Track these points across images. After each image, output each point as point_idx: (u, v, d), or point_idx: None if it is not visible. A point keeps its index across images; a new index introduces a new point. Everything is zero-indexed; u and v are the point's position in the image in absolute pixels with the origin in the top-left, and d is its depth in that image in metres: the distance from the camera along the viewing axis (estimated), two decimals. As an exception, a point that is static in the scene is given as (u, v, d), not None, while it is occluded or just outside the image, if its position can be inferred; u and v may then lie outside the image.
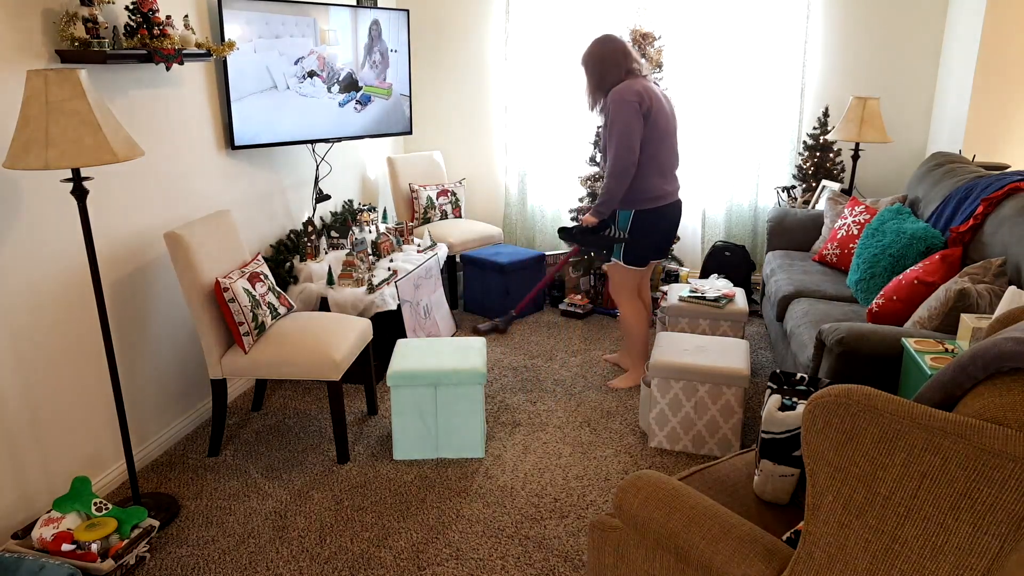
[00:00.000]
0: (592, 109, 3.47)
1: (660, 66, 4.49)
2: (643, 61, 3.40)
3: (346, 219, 4.31)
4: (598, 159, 4.58)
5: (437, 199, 4.90)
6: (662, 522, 1.59)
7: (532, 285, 4.61)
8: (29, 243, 2.40)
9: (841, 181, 4.64)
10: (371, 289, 3.53)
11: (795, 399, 1.95)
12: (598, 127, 4.53)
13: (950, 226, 3.16)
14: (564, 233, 3.56)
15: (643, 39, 4.46)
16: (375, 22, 4.17)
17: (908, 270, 2.91)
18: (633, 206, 3.31)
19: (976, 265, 2.64)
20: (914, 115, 4.70)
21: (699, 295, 3.71)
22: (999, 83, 4.02)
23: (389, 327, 3.84)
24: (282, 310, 3.08)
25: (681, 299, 3.73)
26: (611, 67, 3.28)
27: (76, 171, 2.20)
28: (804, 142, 4.72)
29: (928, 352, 2.18)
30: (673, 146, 3.35)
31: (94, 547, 2.26)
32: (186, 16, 2.94)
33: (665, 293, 3.89)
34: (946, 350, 2.19)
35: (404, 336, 3.81)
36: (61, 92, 2.04)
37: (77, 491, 2.41)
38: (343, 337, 2.95)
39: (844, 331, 2.49)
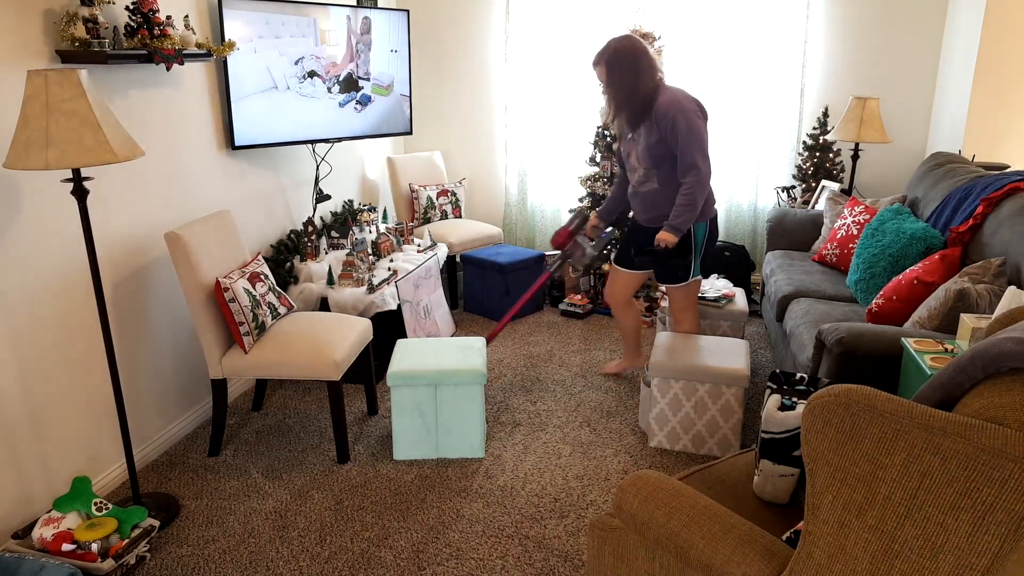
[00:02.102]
0: (614, 120, 3.07)
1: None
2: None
3: (346, 219, 4.31)
4: (598, 159, 4.57)
5: (437, 199, 4.90)
6: (662, 522, 1.59)
7: (532, 285, 4.61)
8: (29, 243, 2.40)
9: (841, 181, 4.64)
10: (371, 289, 3.53)
11: (795, 399, 1.95)
12: (599, 127, 4.52)
13: (950, 226, 3.16)
14: (646, 257, 3.16)
15: (643, 39, 4.45)
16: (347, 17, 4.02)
17: (908, 270, 2.91)
18: (706, 217, 3.10)
19: (976, 265, 2.64)
20: (914, 115, 4.71)
21: (699, 295, 3.71)
22: (999, 83, 4.02)
23: (389, 327, 3.84)
24: (282, 310, 3.08)
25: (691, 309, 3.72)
26: (647, 70, 2.94)
27: (76, 171, 2.20)
28: (804, 142, 4.72)
29: (928, 352, 2.18)
30: None
31: (94, 547, 2.26)
32: (186, 16, 2.95)
33: (665, 293, 3.89)
34: (946, 350, 2.19)
35: (404, 336, 3.81)
36: (61, 92, 2.04)
37: (77, 491, 2.41)
38: (343, 337, 2.95)
39: (844, 331, 2.49)
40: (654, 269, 3.31)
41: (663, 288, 3.36)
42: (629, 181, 3.26)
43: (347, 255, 3.71)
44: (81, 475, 2.49)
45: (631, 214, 3.41)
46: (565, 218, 5.25)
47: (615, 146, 4.38)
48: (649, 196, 3.13)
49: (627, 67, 2.95)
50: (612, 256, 3.43)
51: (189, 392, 3.26)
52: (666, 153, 3.01)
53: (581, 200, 4.69)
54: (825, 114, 4.62)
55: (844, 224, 3.77)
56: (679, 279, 3.19)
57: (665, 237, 3.02)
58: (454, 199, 4.97)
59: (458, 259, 4.85)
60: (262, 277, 3.02)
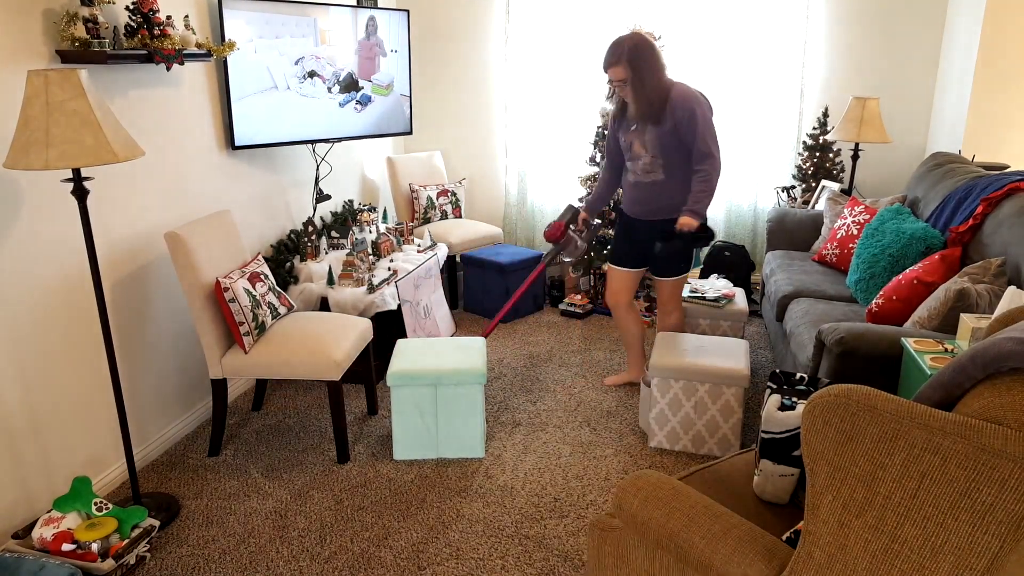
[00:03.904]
0: (647, 113, 3.02)
1: (660, 66, 4.49)
2: None
3: (346, 219, 4.31)
4: (598, 159, 4.58)
5: (437, 199, 4.90)
6: (662, 522, 1.59)
7: (532, 285, 4.61)
8: (30, 243, 2.40)
9: (841, 181, 4.64)
10: (371, 289, 3.53)
11: (795, 399, 1.95)
12: (599, 127, 4.52)
13: (950, 226, 3.16)
14: (671, 242, 3.13)
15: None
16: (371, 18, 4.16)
17: (908, 270, 2.91)
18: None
19: (976, 265, 2.64)
20: (914, 115, 4.70)
21: (699, 295, 3.71)
22: (999, 83, 4.02)
23: (389, 327, 3.84)
24: (282, 310, 3.08)
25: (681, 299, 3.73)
26: (662, 63, 3.00)
27: (76, 171, 2.20)
28: (804, 142, 4.72)
29: (928, 352, 2.18)
30: None
31: (94, 547, 2.27)
32: (186, 16, 2.95)
33: (655, 289, 3.87)
34: (946, 350, 2.19)
35: (404, 336, 3.81)
36: (62, 92, 2.04)
37: (77, 491, 2.41)
38: (343, 337, 2.95)
39: (844, 331, 2.50)
40: (659, 263, 3.30)
41: (654, 283, 3.37)
42: (628, 171, 3.23)
43: (347, 255, 3.71)
44: (81, 475, 2.49)
45: (613, 214, 3.45)
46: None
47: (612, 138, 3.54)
48: (653, 187, 3.14)
49: (648, 61, 2.99)
50: (609, 258, 3.44)
51: (189, 392, 3.26)
52: (676, 143, 3.04)
53: (581, 200, 4.70)
54: (825, 114, 4.62)
55: (844, 224, 3.77)
56: (680, 271, 3.21)
57: (688, 221, 3.04)
58: (454, 199, 4.97)
59: (458, 259, 4.85)
60: (262, 277, 3.02)
